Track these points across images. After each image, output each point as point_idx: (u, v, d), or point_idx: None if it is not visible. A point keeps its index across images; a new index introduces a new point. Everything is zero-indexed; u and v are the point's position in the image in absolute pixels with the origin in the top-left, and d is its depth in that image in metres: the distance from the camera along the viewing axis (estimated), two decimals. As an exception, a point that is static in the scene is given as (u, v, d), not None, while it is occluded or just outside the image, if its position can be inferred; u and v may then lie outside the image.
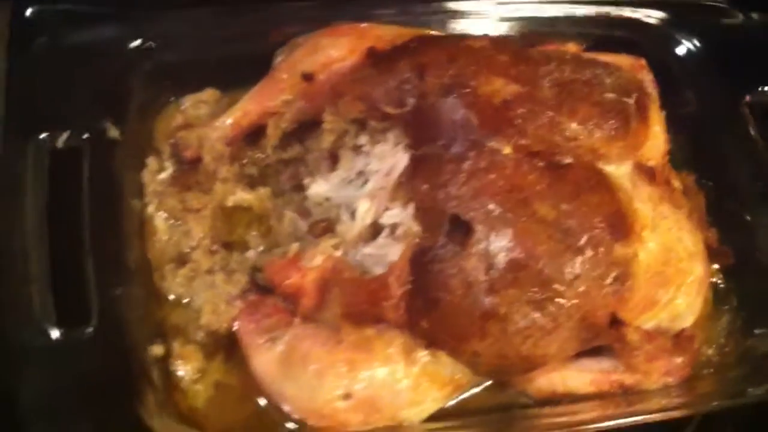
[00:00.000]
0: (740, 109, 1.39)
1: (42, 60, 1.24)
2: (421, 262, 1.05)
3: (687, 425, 1.20)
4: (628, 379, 1.12)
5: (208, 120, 1.29)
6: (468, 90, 1.11)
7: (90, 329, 1.03)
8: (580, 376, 1.13)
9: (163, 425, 1.01)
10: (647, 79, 1.31)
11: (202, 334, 1.13)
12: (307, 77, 1.24)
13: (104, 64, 1.26)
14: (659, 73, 1.34)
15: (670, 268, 1.11)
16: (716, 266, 1.30)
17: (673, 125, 1.29)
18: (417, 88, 1.14)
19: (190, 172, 1.26)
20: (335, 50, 1.24)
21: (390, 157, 1.16)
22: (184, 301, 1.17)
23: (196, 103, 1.33)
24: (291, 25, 1.35)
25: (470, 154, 1.07)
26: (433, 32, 1.34)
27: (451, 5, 1.47)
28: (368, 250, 1.14)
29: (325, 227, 1.19)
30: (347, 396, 1.04)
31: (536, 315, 1.02)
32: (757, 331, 1.26)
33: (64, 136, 1.15)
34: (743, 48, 1.45)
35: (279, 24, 1.36)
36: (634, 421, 1.09)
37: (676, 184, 1.26)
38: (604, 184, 1.10)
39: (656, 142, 1.22)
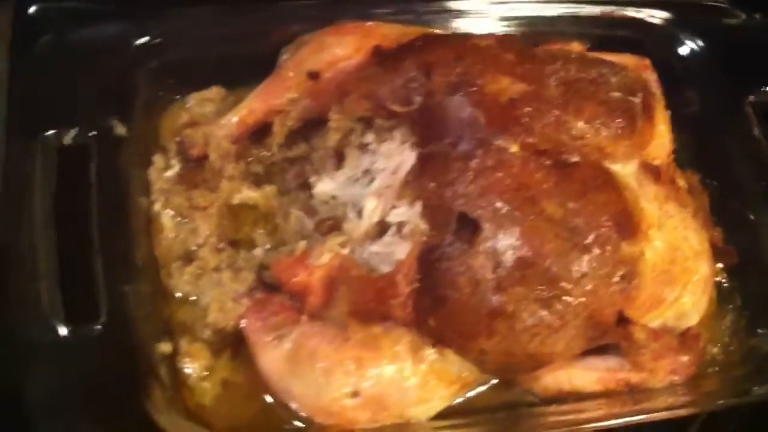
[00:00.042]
0: (744, 108, 1.40)
1: (47, 57, 1.24)
2: (428, 260, 1.05)
3: (692, 423, 1.21)
4: (634, 377, 1.13)
5: (214, 118, 1.29)
6: (475, 88, 1.12)
7: (98, 326, 1.03)
8: (586, 375, 1.13)
9: (170, 422, 1.01)
10: (651, 78, 1.32)
11: (209, 332, 1.13)
12: (313, 75, 1.24)
13: (110, 62, 1.26)
14: (663, 73, 1.35)
15: (676, 266, 1.12)
16: (720, 265, 1.30)
17: (676, 125, 1.29)
18: (424, 86, 1.14)
19: (196, 169, 1.27)
20: (341, 49, 1.25)
21: (397, 156, 1.16)
22: (191, 298, 1.17)
23: (201, 101, 1.33)
24: (295, 24, 1.35)
25: (477, 152, 1.08)
26: (437, 31, 1.33)
27: (454, 4, 1.47)
28: (375, 248, 1.15)
29: (332, 225, 1.19)
30: (355, 394, 1.04)
31: (543, 313, 1.02)
32: (761, 330, 1.26)
33: (72, 133, 1.15)
34: (746, 48, 1.45)
35: (283, 22, 1.36)
36: (640, 419, 1.10)
37: (681, 183, 1.26)
38: (610, 182, 1.10)
39: (661, 141, 1.22)
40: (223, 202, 1.24)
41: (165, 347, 1.09)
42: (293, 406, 1.08)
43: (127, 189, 1.18)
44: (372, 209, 1.15)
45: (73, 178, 1.13)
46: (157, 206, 1.22)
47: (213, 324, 1.13)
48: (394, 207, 1.14)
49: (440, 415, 1.10)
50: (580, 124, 1.12)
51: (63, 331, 1.01)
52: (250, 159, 1.30)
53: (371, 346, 1.05)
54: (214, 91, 1.34)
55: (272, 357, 1.09)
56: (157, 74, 1.30)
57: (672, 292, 1.12)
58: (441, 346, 1.06)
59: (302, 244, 1.17)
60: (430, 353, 1.06)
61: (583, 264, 1.04)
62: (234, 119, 1.27)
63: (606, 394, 1.13)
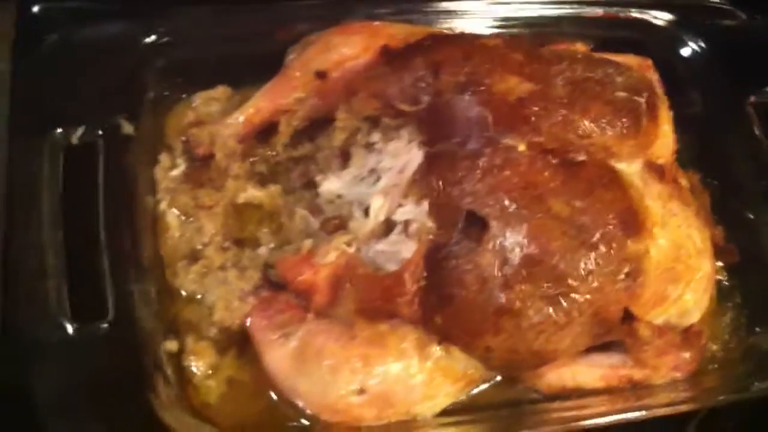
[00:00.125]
0: (745, 109, 1.41)
1: (53, 57, 1.24)
2: (435, 258, 1.06)
3: (691, 420, 1.22)
4: (637, 374, 1.14)
5: (220, 117, 1.30)
6: (483, 88, 1.13)
7: (105, 324, 1.03)
8: (589, 371, 1.14)
9: (176, 420, 1.01)
10: (653, 79, 1.33)
11: (215, 330, 1.14)
12: (321, 75, 1.25)
13: (116, 61, 1.26)
14: (665, 74, 1.36)
15: (680, 264, 1.13)
16: (720, 264, 1.31)
17: (678, 125, 1.29)
18: (432, 85, 1.15)
19: (201, 168, 1.27)
20: (348, 48, 1.25)
21: (404, 154, 1.17)
22: (197, 297, 1.17)
23: (207, 100, 1.33)
24: (301, 24, 1.35)
25: (485, 150, 1.08)
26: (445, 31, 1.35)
27: (457, 5, 1.48)
28: (381, 246, 1.15)
29: (338, 224, 1.20)
30: (361, 391, 1.04)
31: (550, 310, 1.03)
32: (759, 329, 1.28)
33: (79, 132, 1.15)
34: (748, 49, 1.47)
35: (289, 22, 1.37)
36: (642, 415, 1.11)
37: (684, 182, 1.27)
38: (616, 181, 1.11)
39: (665, 140, 1.23)
40: (229, 201, 1.24)
41: (171, 345, 1.10)
42: (299, 403, 1.08)
43: (135, 187, 1.18)
44: (378, 208, 1.15)
45: (80, 176, 1.13)
46: (162, 205, 1.22)
47: (219, 322, 1.14)
48: (400, 205, 1.15)
49: (444, 412, 1.11)
50: (587, 124, 1.13)
51: (70, 329, 1.02)
52: (254, 158, 1.31)
53: (378, 343, 1.06)
54: (220, 91, 1.35)
55: (278, 355, 1.09)
56: (163, 73, 1.30)
57: (675, 290, 1.13)
58: (447, 343, 1.07)
59: (308, 243, 1.17)
60: (436, 350, 1.07)
61: (589, 261, 1.04)
62: (240, 118, 1.27)
63: (608, 391, 1.14)
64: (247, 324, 1.14)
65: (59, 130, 1.15)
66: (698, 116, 1.43)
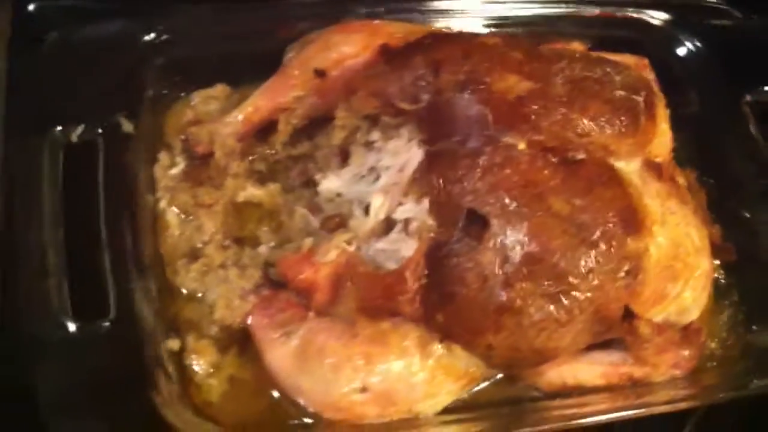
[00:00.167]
0: (741, 108, 1.42)
1: (52, 55, 1.24)
2: (436, 256, 1.06)
3: (690, 417, 1.22)
4: (637, 371, 1.14)
5: (219, 116, 1.30)
6: (483, 86, 1.13)
7: (107, 323, 1.03)
8: (590, 369, 1.14)
9: (179, 418, 1.01)
10: (650, 78, 1.33)
11: (216, 328, 1.14)
12: (320, 73, 1.25)
13: (114, 59, 1.26)
14: (661, 73, 1.36)
15: (679, 262, 1.13)
16: (717, 262, 1.31)
17: (674, 124, 1.29)
18: (432, 84, 1.15)
19: (201, 167, 1.27)
20: (348, 47, 1.25)
21: (404, 153, 1.17)
22: (198, 295, 1.17)
23: (206, 99, 1.33)
24: (299, 22, 1.36)
25: (486, 149, 1.09)
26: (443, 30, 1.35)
27: (455, 4, 1.49)
28: (381, 245, 1.15)
29: (338, 222, 1.20)
30: (364, 389, 1.05)
31: (551, 308, 1.03)
32: (756, 327, 1.29)
33: (79, 130, 1.14)
34: (744, 48, 1.48)
35: (287, 21, 1.37)
36: (642, 412, 1.11)
37: (681, 180, 1.28)
38: (616, 179, 1.12)
39: (663, 139, 1.24)
40: (228, 200, 1.24)
41: (173, 344, 1.10)
42: (301, 402, 1.08)
43: (134, 186, 1.18)
44: (379, 206, 1.15)
45: (79, 175, 1.13)
46: (162, 203, 1.22)
47: (220, 321, 1.14)
48: (400, 204, 1.15)
49: (446, 410, 1.11)
50: (586, 122, 1.13)
51: (72, 327, 1.01)
52: (253, 157, 1.31)
53: (379, 341, 1.06)
54: (219, 89, 1.34)
55: (280, 353, 1.09)
56: (162, 72, 1.30)
57: (674, 288, 1.13)
58: (449, 341, 1.07)
59: (308, 241, 1.18)
60: (438, 349, 1.07)
61: (590, 259, 1.05)
62: (239, 117, 1.27)
63: (609, 389, 1.15)
64: (248, 322, 1.14)
65: (59, 129, 1.14)
66: (694, 115, 1.44)
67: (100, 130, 1.16)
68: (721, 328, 1.28)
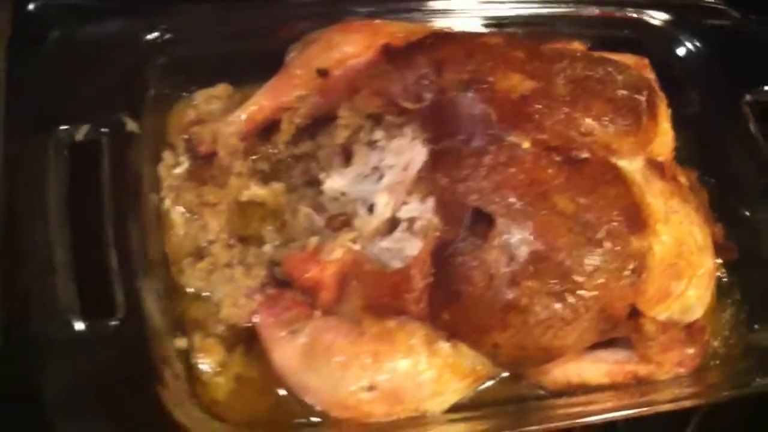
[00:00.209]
0: (741, 107, 1.43)
1: (54, 54, 1.23)
2: (442, 255, 1.06)
3: (693, 415, 1.23)
4: (642, 369, 1.14)
5: (221, 115, 1.29)
6: (486, 85, 1.13)
7: (114, 321, 1.03)
8: (595, 368, 1.15)
9: (187, 416, 1.01)
10: (650, 78, 1.34)
11: (222, 327, 1.14)
12: (322, 73, 1.25)
13: (116, 59, 1.25)
14: (661, 73, 1.37)
15: (683, 261, 1.14)
16: (719, 260, 1.32)
17: (675, 123, 1.30)
18: (435, 83, 1.15)
19: (204, 166, 1.27)
20: (350, 46, 1.26)
21: (407, 152, 1.17)
22: (203, 294, 1.17)
23: (208, 98, 1.33)
24: (301, 21, 1.35)
25: (490, 148, 1.09)
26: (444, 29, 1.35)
27: (454, 3, 1.48)
28: (385, 244, 1.15)
29: (344, 221, 1.20)
30: (371, 387, 1.05)
31: (557, 306, 1.04)
32: (758, 326, 1.29)
33: (83, 130, 1.14)
34: (743, 48, 1.49)
35: (289, 20, 1.37)
36: (647, 410, 1.12)
37: (683, 179, 1.28)
38: (619, 178, 1.12)
39: (665, 138, 1.24)
40: (233, 199, 1.24)
41: (180, 342, 1.10)
42: (308, 400, 1.08)
43: (140, 185, 1.18)
44: (384, 205, 1.15)
45: (84, 174, 1.12)
46: (167, 203, 1.22)
47: (226, 319, 1.14)
48: (404, 203, 1.15)
49: (451, 408, 1.11)
50: (589, 121, 1.14)
51: (79, 326, 1.01)
52: (255, 156, 1.30)
53: (386, 340, 1.06)
54: (221, 88, 1.34)
55: (287, 352, 1.09)
56: (164, 71, 1.30)
57: (678, 286, 1.14)
58: (455, 339, 1.07)
59: (314, 240, 1.18)
60: (445, 347, 1.07)
61: (595, 258, 1.05)
62: (242, 116, 1.27)
63: (613, 387, 1.15)
64: (254, 321, 1.14)
65: (63, 128, 1.14)
66: (695, 115, 1.45)
67: (104, 130, 1.15)
68: (724, 327, 1.29)
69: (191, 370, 1.10)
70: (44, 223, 1.05)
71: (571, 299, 1.04)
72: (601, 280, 1.05)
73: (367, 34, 1.27)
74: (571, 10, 1.51)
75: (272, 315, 1.13)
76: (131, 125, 1.18)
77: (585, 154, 1.12)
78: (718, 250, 1.27)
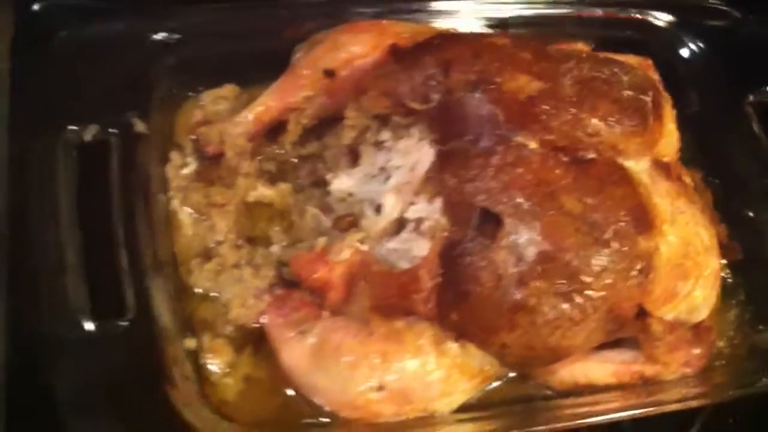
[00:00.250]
0: (744, 108, 1.44)
1: (60, 55, 1.23)
2: (450, 255, 1.06)
3: (699, 415, 1.23)
4: (648, 370, 1.15)
5: (228, 116, 1.29)
6: (493, 86, 1.13)
7: (124, 322, 1.03)
8: (601, 368, 1.15)
9: (197, 416, 1.02)
10: (655, 78, 1.34)
11: (231, 328, 1.14)
12: (329, 73, 1.25)
13: (123, 59, 1.26)
14: (665, 74, 1.37)
15: (689, 261, 1.14)
16: (723, 261, 1.32)
17: (679, 124, 1.31)
18: (442, 84, 1.15)
19: (211, 167, 1.27)
20: (357, 46, 1.26)
21: (414, 152, 1.18)
22: (212, 295, 1.17)
23: (215, 99, 1.33)
24: (308, 22, 1.36)
25: (498, 148, 1.09)
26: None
27: (458, 4, 1.49)
28: (393, 244, 1.16)
29: (351, 222, 1.20)
30: (380, 387, 1.05)
31: (565, 306, 1.04)
32: (762, 327, 1.30)
33: (92, 130, 1.14)
34: (746, 49, 1.50)
35: (295, 21, 1.37)
36: (653, 410, 1.12)
37: (688, 180, 1.29)
38: (626, 178, 1.13)
39: (670, 139, 1.25)
40: (240, 200, 1.24)
41: (190, 343, 1.10)
42: (317, 400, 1.09)
43: (148, 185, 1.18)
44: (392, 205, 1.16)
45: (92, 174, 1.13)
46: (175, 203, 1.22)
47: (234, 320, 1.14)
48: (412, 204, 1.15)
49: (459, 408, 1.11)
50: (595, 122, 1.14)
51: (90, 326, 1.01)
52: (261, 157, 1.31)
53: (395, 340, 1.07)
54: (228, 89, 1.34)
55: (296, 352, 1.10)
56: (170, 72, 1.30)
57: (685, 286, 1.14)
58: (463, 340, 1.07)
59: (322, 241, 1.18)
60: (453, 347, 1.07)
61: (602, 258, 1.05)
62: (249, 117, 1.27)
63: (620, 387, 1.15)
64: (263, 322, 1.14)
65: (72, 128, 1.14)
66: (698, 116, 1.45)
67: (112, 130, 1.16)
68: (728, 327, 1.29)
69: (200, 371, 1.10)
70: (54, 223, 1.06)
71: (579, 299, 1.04)
72: (608, 281, 1.05)
73: (374, 34, 1.27)
74: (575, 11, 1.52)
75: (281, 315, 1.14)
76: (140, 126, 1.18)
77: (592, 155, 1.13)
78: (723, 250, 1.27)
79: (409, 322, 1.08)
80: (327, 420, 1.08)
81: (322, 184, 1.28)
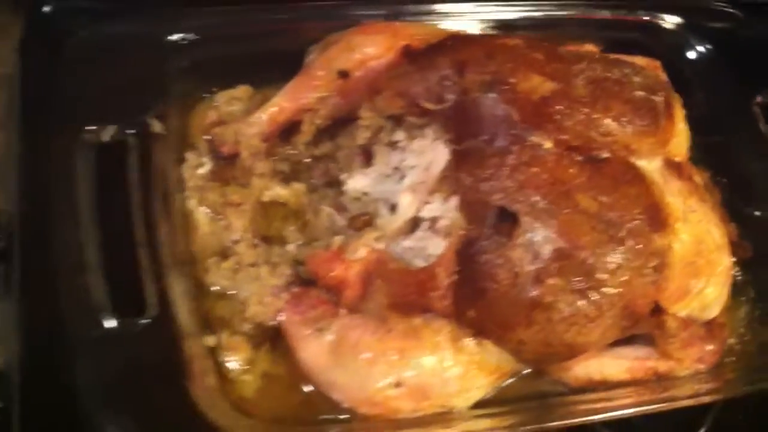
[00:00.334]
0: (751, 108, 1.46)
1: (76, 56, 1.24)
2: (467, 253, 1.08)
3: (709, 410, 1.24)
4: (662, 366, 1.16)
5: (243, 116, 1.30)
6: (508, 87, 1.14)
7: (145, 320, 1.04)
8: (616, 364, 1.16)
9: (220, 414, 1.02)
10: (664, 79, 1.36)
11: (249, 325, 1.15)
12: (343, 74, 1.27)
13: (138, 60, 1.26)
14: (672, 75, 1.38)
15: (701, 259, 1.16)
16: (733, 259, 1.34)
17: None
18: (457, 84, 1.17)
19: (227, 167, 1.28)
20: (371, 48, 1.27)
21: (429, 152, 1.19)
22: (229, 293, 1.18)
23: (229, 100, 1.34)
24: (319, 23, 1.37)
25: (513, 148, 1.10)
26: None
27: (466, 6, 1.50)
28: (408, 243, 1.17)
29: (366, 221, 1.21)
30: (398, 384, 1.06)
31: (581, 303, 1.05)
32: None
33: (111, 131, 1.15)
34: (753, 51, 1.52)
35: (307, 22, 1.39)
36: (667, 406, 1.14)
37: (698, 179, 1.30)
38: (639, 177, 1.14)
39: (681, 138, 1.26)
40: (255, 199, 1.25)
41: (210, 341, 1.11)
42: (335, 397, 1.10)
43: (166, 185, 1.19)
44: (407, 204, 1.17)
45: (109, 175, 1.13)
46: (191, 203, 1.23)
47: (252, 318, 1.15)
48: (427, 203, 1.17)
49: (474, 405, 1.12)
50: (608, 122, 1.15)
51: (111, 324, 1.02)
52: (275, 157, 1.31)
53: (412, 336, 1.08)
54: (242, 90, 1.35)
55: (314, 349, 1.10)
56: (185, 73, 1.31)
57: (698, 284, 1.15)
58: (480, 336, 1.08)
59: (338, 239, 1.19)
60: (470, 344, 1.08)
61: (618, 255, 1.07)
62: (264, 117, 1.28)
63: (633, 383, 1.17)
64: (280, 319, 1.15)
65: (90, 129, 1.15)
66: (706, 117, 1.46)
67: (130, 131, 1.16)
68: (739, 324, 1.31)
69: (219, 368, 1.11)
70: (75, 222, 1.06)
71: (594, 296, 1.05)
72: (624, 278, 1.07)
73: (387, 35, 1.28)
74: (583, 13, 1.53)
75: (298, 313, 1.15)
76: (157, 126, 1.19)
77: (605, 154, 1.14)
78: (733, 248, 1.28)
79: (427, 319, 1.09)
80: (345, 416, 1.09)
81: (335, 184, 1.29)
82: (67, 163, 1.11)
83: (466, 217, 1.10)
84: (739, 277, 1.34)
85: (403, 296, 1.11)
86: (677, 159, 1.24)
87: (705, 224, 1.18)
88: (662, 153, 1.21)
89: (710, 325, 1.18)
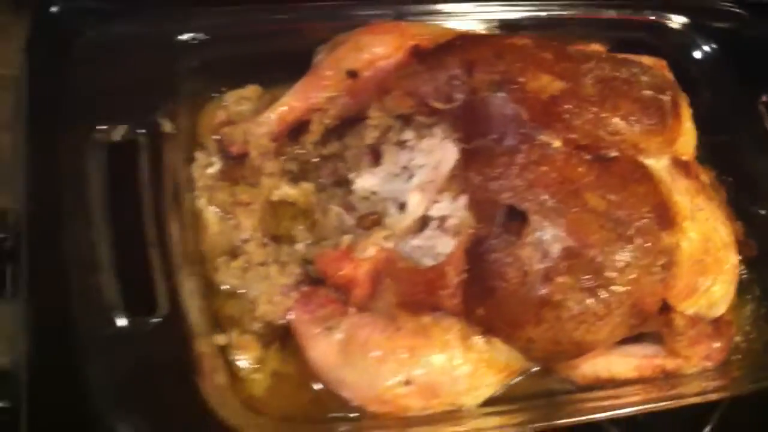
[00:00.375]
0: (757, 108, 1.46)
1: (85, 56, 1.24)
2: (476, 251, 1.08)
3: (715, 409, 1.25)
4: (670, 363, 1.17)
5: (252, 116, 1.31)
6: (517, 86, 1.15)
7: (156, 318, 1.04)
8: (624, 362, 1.17)
9: (231, 412, 1.03)
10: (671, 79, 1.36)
11: (258, 324, 1.15)
12: (352, 74, 1.27)
13: (147, 61, 1.26)
14: (677, 75, 1.38)
15: (709, 257, 1.16)
16: (739, 257, 1.34)
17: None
18: (466, 83, 1.17)
19: (236, 166, 1.28)
20: (379, 47, 1.27)
21: (437, 151, 1.19)
22: (239, 292, 1.19)
23: (238, 99, 1.34)
24: (327, 24, 1.38)
25: (522, 147, 1.11)
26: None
27: (473, 6, 1.51)
28: (417, 242, 1.17)
29: (374, 220, 1.21)
30: (408, 382, 1.07)
31: (590, 301, 1.05)
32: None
33: (122, 130, 1.15)
34: (758, 50, 1.52)
35: (315, 22, 1.39)
36: (675, 404, 1.14)
37: (704, 178, 1.31)
38: (647, 176, 1.14)
39: (688, 137, 1.27)
40: (264, 199, 1.25)
41: (221, 339, 1.11)
42: (345, 395, 1.10)
43: (177, 184, 1.19)
44: (416, 203, 1.17)
45: (120, 174, 1.14)
46: (201, 202, 1.23)
47: (262, 316, 1.15)
48: (435, 201, 1.17)
49: (484, 403, 1.13)
50: (617, 121, 1.16)
51: (123, 322, 1.02)
52: (283, 157, 1.32)
53: (422, 335, 1.08)
54: (251, 90, 1.36)
55: (323, 348, 1.11)
56: (194, 72, 1.31)
57: (705, 282, 1.16)
58: (490, 335, 1.09)
59: (347, 238, 1.19)
60: (479, 342, 1.09)
61: (626, 254, 1.07)
62: (273, 117, 1.29)
63: (641, 381, 1.17)
64: (290, 318, 1.15)
65: (100, 128, 1.15)
66: (711, 116, 1.46)
67: (140, 130, 1.17)
68: (745, 322, 1.32)
69: (229, 367, 1.12)
70: (86, 221, 1.07)
71: (603, 294, 1.06)
72: (632, 276, 1.07)
73: (395, 35, 1.29)
74: (589, 13, 1.53)
75: (307, 312, 1.15)
76: (167, 126, 1.20)
77: (614, 153, 1.15)
78: (739, 247, 1.29)
79: (436, 318, 1.09)
80: (355, 414, 1.10)
81: (344, 183, 1.29)
82: (78, 163, 1.12)
83: (475, 215, 1.11)
84: (745, 276, 1.35)
85: (412, 295, 1.11)
86: (684, 158, 1.25)
87: (712, 222, 1.19)
88: (670, 152, 1.22)
89: (717, 322, 1.19)
